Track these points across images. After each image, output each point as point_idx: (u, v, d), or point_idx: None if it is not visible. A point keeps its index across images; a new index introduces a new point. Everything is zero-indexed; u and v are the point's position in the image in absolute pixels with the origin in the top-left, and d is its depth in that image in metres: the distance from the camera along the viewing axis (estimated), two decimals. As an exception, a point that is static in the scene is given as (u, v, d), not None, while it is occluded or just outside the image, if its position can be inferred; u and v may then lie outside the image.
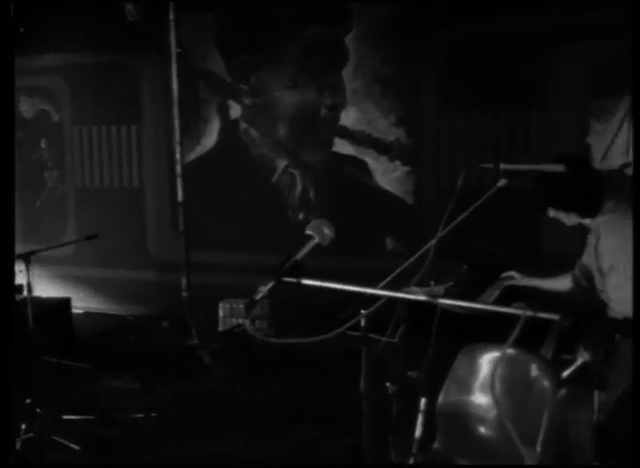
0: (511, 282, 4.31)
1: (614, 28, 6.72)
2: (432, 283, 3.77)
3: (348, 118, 7.70)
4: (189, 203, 7.96)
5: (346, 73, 7.64)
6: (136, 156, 8.64)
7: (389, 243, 7.67)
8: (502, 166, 3.88)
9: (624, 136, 6.94)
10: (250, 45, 7.89)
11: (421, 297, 2.54)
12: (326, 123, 7.78)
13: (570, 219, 4.01)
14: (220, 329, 7.70)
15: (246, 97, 8.05)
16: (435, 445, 3.58)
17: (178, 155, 7.15)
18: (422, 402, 3.84)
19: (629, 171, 6.96)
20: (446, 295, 3.73)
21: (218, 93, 8.14)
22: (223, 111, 8.18)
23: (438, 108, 7.38)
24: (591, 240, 3.90)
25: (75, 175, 8.97)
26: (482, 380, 3.48)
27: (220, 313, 7.78)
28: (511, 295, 4.31)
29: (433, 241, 3.91)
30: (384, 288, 4.16)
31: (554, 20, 6.85)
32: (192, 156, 8.32)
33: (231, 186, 8.11)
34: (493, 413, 3.37)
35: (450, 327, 3.61)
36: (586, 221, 3.95)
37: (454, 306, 2.56)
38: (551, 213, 4.04)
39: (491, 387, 3.35)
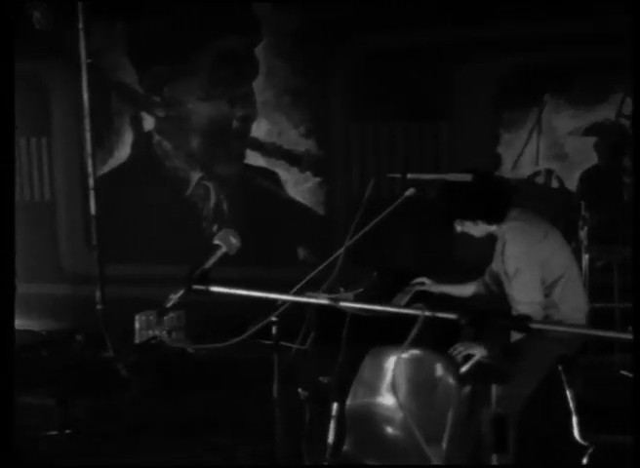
0: (421, 288, 4.47)
1: (515, 43, 7.02)
2: (342, 290, 3.89)
3: (260, 130, 7.81)
4: (103, 216, 7.94)
5: (257, 84, 7.75)
6: (47, 169, 8.58)
7: (301, 253, 7.79)
8: (410, 175, 4.03)
9: (533, 146, 7.22)
10: (162, 56, 7.90)
11: (324, 301, 2.64)
12: (238, 135, 7.87)
13: (477, 230, 4.17)
14: (137, 341, 7.68)
15: (159, 110, 8.07)
16: (345, 447, 3.69)
17: (90, 168, 7.12)
18: (334, 407, 3.96)
19: (539, 179, 7.24)
20: (356, 301, 3.85)
21: (130, 104, 8.14)
22: (136, 123, 8.18)
23: (347, 119, 7.54)
24: (498, 246, 4.08)
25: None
26: (388, 381, 3.61)
27: (137, 325, 7.76)
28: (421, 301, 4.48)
29: (342, 249, 4.04)
30: (292, 295, 4.29)
31: (459, 35, 7.09)
32: (106, 169, 8.30)
33: (145, 199, 8.12)
34: (399, 414, 3.50)
35: (359, 332, 3.74)
36: (493, 229, 4.13)
37: (357, 309, 2.68)
38: (458, 227, 4.20)
39: (393, 388, 3.49)
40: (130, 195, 8.16)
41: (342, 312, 3.71)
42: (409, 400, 3.47)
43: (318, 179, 7.64)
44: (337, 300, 3.80)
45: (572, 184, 7.17)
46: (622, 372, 6.40)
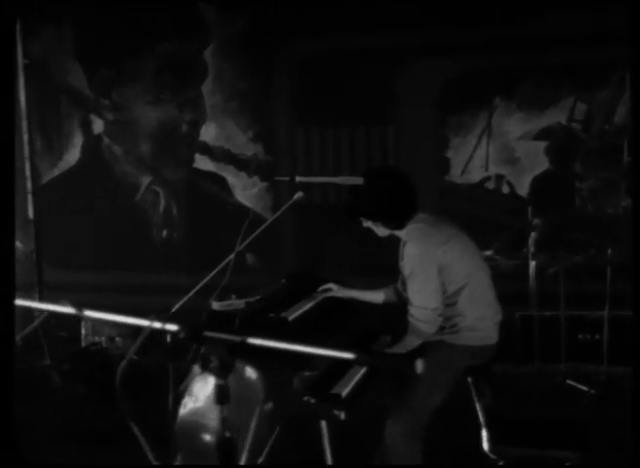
0: (329, 294, 4.32)
1: (463, 46, 6.88)
2: (233, 297, 3.74)
3: (208, 134, 7.66)
4: (50, 220, 7.82)
5: (206, 88, 7.60)
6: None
7: (249, 258, 7.64)
8: (299, 178, 3.89)
9: (483, 150, 7.07)
10: (110, 59, 7.76)
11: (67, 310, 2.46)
12: (187, 139, 7.73)
13: (379, 231, 4.04)
14: (83, 346, 7.55)
15: (108, 113, 7.93)
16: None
17: (27, 171, 6.99)
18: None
19: (489, 185, 7.08)
20: (248, 308, 3.70)
21: (80, 108, 7.99)
22: (86, 127, 8.03)
23: (293, 123, 7.40)
24: (400, 248, 3.93)
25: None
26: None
27: (82, 331, 7.64)
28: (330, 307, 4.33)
29: (232, 255, 3.90)
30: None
31: (405, 37, 6.95)
32: (56, 172, 8.16)
33: (94, 203, 7.97)
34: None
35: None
36: (397, 232, 3.98)
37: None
38: (364, 223, 4.06)
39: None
40: (79, 199, 8.00)
41: (233, 319, 3.56)
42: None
43: (265, 184, 7.48)
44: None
45: (523, 190, 7.01)
46: (568, 382, 6.26)
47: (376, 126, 7.20)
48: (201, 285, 3.91)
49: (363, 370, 3.90)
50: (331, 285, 4.35)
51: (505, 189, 7.04)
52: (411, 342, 3.88)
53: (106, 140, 7.98)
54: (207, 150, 7.66)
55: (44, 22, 7.64)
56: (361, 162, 7.22)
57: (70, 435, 5.45)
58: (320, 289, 4.34)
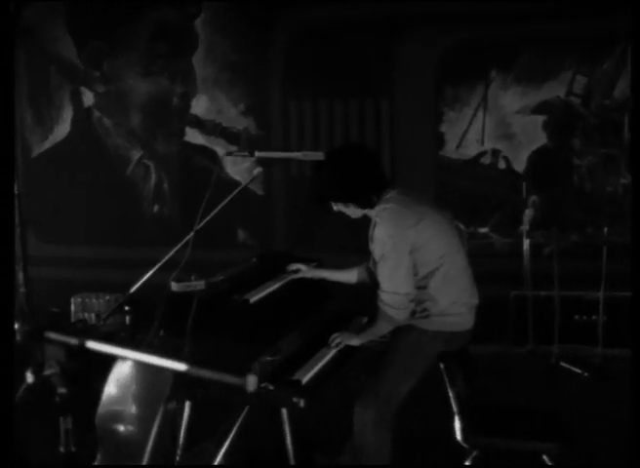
0: (298, 275, 4.15)
1: (459, 16, 6.65)
2: (193, 277, 3.57)
3: (199, 107, 7.47)
4: (41, 194, 7.71)
5: (197, 60, 7.40)
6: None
7: (240, 234, 7.48)
8: (257, 153, 3.73)
9: (479, 124, 6.85)
10: (100, 29, 7.58)
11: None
12: (178, 112, 7.54)
13: (350, 212, 3.86)
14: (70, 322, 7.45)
15: (99, 85, 7.75)
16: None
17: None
18: (186, 405, 3.66)
19: (485, 160, 6.88)
20: (208, 289, 3.54)
21: (70, 79, 7.82)
22: (76, 99, 7.86)
23: (286, 97, 7.20)
24: (370, 229, 3.75)
25: None
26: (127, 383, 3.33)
27: (72, 308, 7.53)
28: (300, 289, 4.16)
29: (191, 234, 3.75)
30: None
31: (399, 7, 6.73)
32: (46, 145, 8.00)
33: (85, 177, 7.82)
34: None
35: (206, 325, 3.43)
36: (366, 211, 3.80)
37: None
38: (334, 207, 3.90)
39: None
40: (69, 173, 7.86)
41: (190, 303, 3.40)
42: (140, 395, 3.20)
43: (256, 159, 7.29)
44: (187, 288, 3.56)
45: (519, 166, 6.79)
46: (562, 364, 6.10)
47: (369, 98, 6.99)
48: (160, 264, 3.75)
49: (331, 353, 3.75)
50: (299, 265, 4.17)
51: (502, 165, 6.82)
52: (381, 328, 3.72)
53: (97, 113, 7.81)
54: (198, 123, 7.48)
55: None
56: (354, 136, 7.02)
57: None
58: (289, 269, 4.17)
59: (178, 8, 7.34)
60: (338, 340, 3.82)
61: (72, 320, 7.45)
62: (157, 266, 3.80)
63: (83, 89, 7.82)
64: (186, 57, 7.41)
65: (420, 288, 3.65)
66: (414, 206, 3.68)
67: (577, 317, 6.31)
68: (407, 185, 6.22)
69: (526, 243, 6.36)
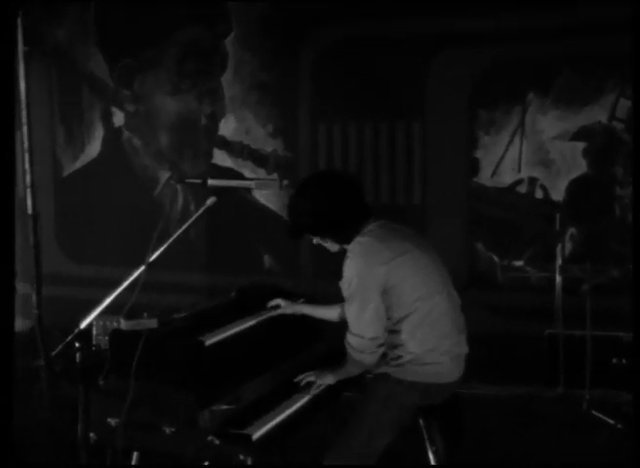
0: (278, 311, 3.83)
1: (495, 34, 6.29)
2: (145, 314, 3.29)
3: (227, 127, 7.24)
4: (70, 213, 7.62)
5: (226, 79, 7.18)
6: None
7: (267, 260, 7.20)
8: (210, 181, 3.43)
9: (515, 151, 6.45)
10: (131, 47, 7.43)
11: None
12: (206, 133, 7.33)
13: (330, 245, 3.54)
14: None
15: (129, 104, 7.60)
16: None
17: (27, 164, 6.68)
18: (134, 456, 3.37)
19: (521, 188, 6.47)
20: (161, 328, 3.25)
21: (101, 98, 7.69)
22: (107, 118, 7.73)
23: (314, 117, 6.91)
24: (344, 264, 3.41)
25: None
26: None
27: (94, 331, 7.34)
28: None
29: (142, 267, 3.46)
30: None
31: (430, 26, 6.40)
32: (78, 165, 7.89)
33: (114, 198, 7.66)
34: None
35: (152, 368, 3.15)
36: (346, 246, 3.47)
37: None
38: (314, 239, 3.58)
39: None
40: (99, 193, 7.72)
41: (136, 345, 3.12)
42: None
43: (285, 182, 7.01)
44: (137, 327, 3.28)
45: (558, 195, 6.34)
46: (594, 413, 5.63)
47: (401, 120, 6.64)
48: (110, 300, 3.47)
49: (302, 401, 3.42)
50: (278, 301, 3.85)
51: (539, 194, 6.39)
52: (348, 372, 3.38)
53: (127, 133, 7.66)
54: (225, 145, 7.24)
55: (67, 8, 7.35)
56: (384, 159, 6.69)
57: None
58: (269, 305, 3.85)
59: (208, 26, 7.13)
60: (311, 378, 3.49)
61: (94, 342, 7.26)
62: (107, 301, 3.50)
63: (113, 108, 7.67)
64: (216, 75, 7.20)
65: (394, 332, 3.29)
66: (392, 240, 3.32)
67: (615, 360, 5.83)
68: (437, 211, 5.79)
69: (559, 278, 5.90)
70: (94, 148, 7.82)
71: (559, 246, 5.87)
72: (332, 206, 3.36)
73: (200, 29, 7.17)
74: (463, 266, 6.53)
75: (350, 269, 3.27)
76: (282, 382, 3.54)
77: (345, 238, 3.41)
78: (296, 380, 3.49)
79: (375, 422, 3.30)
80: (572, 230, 6.24)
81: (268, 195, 7.08)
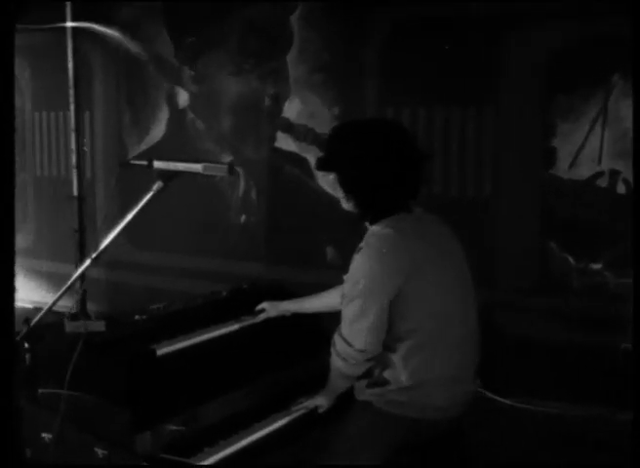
0: (261, 316, 3.38)
1: (576, 10, 5.62)
2: (92, 316, 2.91)
3: (291, 110, 6.79)
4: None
5: (290, 58, 6.73)
6: (89, 144, 7.99)
7: (330, 252, 6.74)
8: (157, 164, 3.00)
9: (596, 140, 5.76)
10: (195, 24, 7.09)
11: None
12: (269, 115, 6.91)
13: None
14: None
15: (193, 85, 7.27)
16: None
17: (73, 144, 6.44)
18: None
19: (601, 182, 5.79)
20: (108, 332, 2.86)
21: (166, 78, 7.39)
22: (172, 99, 7.43)
23: (382, 100, 6.39)
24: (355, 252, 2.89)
25: (35, 163, 8.38)
26: None
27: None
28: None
29: (87, 262, 3.05)
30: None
31: (504, 2, 5.77)
32: (143, 147, 7.63)
33: (175, 183, 7.34)
34: None
35: (90, 379, 2.76)
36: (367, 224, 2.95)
37: None
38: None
39: None
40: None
41: (70, 352, 2.74)
42: None
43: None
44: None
45: (644, 190, 5.62)
46: None
47: (472, 105, 6.05)
48: (54, 301, 3.08)
49: (277, 424, 2.97)
50: (264, 304, 3.40)
51: (621, 188, 5.68)
52: (334, 383, 2.91)
53: (190, 115, 7.33)
54: (289, 128, 6.80)
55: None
56: (454, 146, 6.12)
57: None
58: (256, 309, 3.41)
59: (274, 2, 6.70)
60: (305, 404, 3.04)
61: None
62: (53, 303, 3.09)
63: (178, 88, 7.36)
64: (280, 55, 6.77)
65: (388, 349, 2.78)
66: (417, 241, 2.80)
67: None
68: (507, 204, 5.20)
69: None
70: (158, 130, 7.53)
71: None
72: (381, 170, 2.84)
73: (264, 5, 6.74)
74: (534, 267, 5.90)
75: (360, 269, 2.77)
76: (257, 402, 3.09)
77: (370, 209, 2.90)
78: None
79: (350, 462, 2.80)
80: (654, 231, 5.51)
81: (332, 182, 6.59)
